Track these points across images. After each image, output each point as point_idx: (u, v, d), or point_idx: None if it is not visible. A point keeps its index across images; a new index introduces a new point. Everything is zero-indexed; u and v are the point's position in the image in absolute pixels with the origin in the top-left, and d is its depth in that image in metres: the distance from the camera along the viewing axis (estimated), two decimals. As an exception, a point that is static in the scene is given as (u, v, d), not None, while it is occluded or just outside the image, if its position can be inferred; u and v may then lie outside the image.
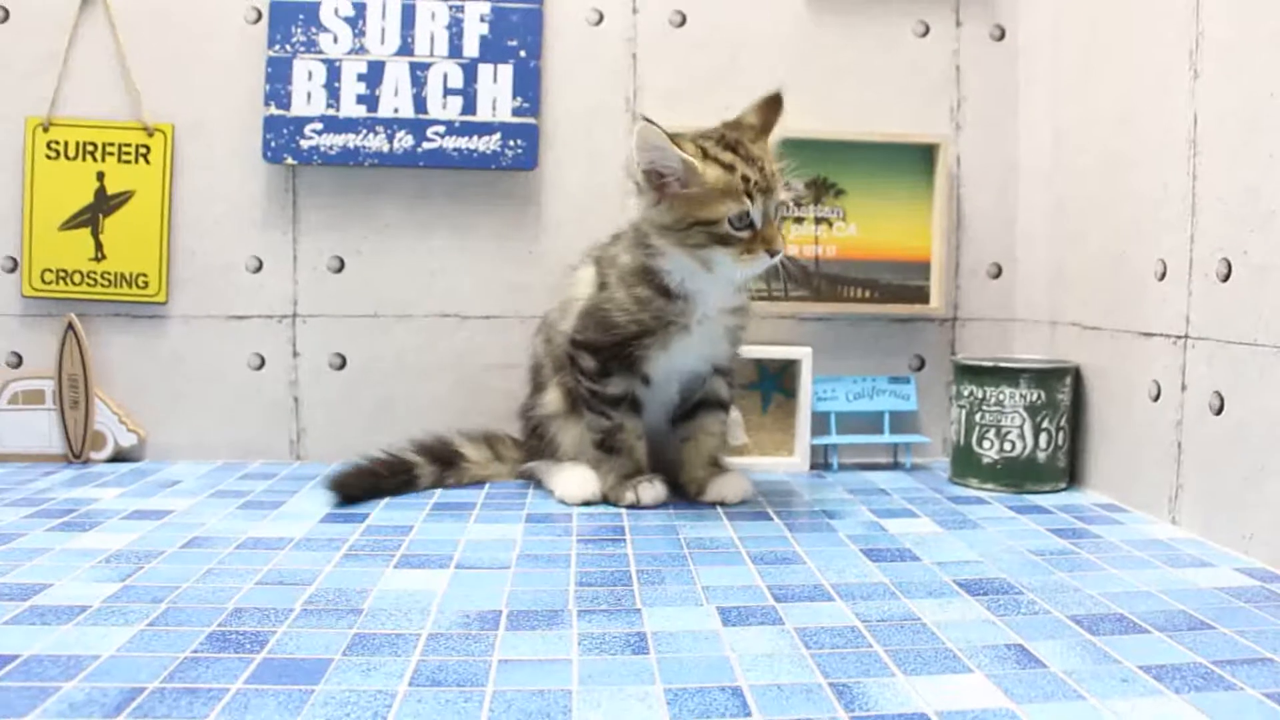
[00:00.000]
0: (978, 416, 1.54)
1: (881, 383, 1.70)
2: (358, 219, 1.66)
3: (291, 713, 0.75)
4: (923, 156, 1.71)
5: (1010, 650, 0.89)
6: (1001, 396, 1.51)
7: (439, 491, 1.47)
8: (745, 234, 1.29)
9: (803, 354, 1.67)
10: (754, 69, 1.69)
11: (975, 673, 0.84)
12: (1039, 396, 1.50)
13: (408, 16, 1.62)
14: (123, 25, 1.62)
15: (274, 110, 1.61)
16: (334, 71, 1.61)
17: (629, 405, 1.40)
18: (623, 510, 1.37)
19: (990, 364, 1.54)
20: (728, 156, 1.31)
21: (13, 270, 1.64)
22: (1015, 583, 1.07)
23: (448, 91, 1.62)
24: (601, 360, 1.38)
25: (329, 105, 1.61)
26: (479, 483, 1.54)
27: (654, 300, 1.35)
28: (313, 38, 1.61)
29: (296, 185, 1.66)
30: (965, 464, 1.56)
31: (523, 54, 1.63)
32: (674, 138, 1.28)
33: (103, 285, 1.64)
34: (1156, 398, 1.35)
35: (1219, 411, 1.23)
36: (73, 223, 1.63)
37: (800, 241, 1.70)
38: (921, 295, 1.72)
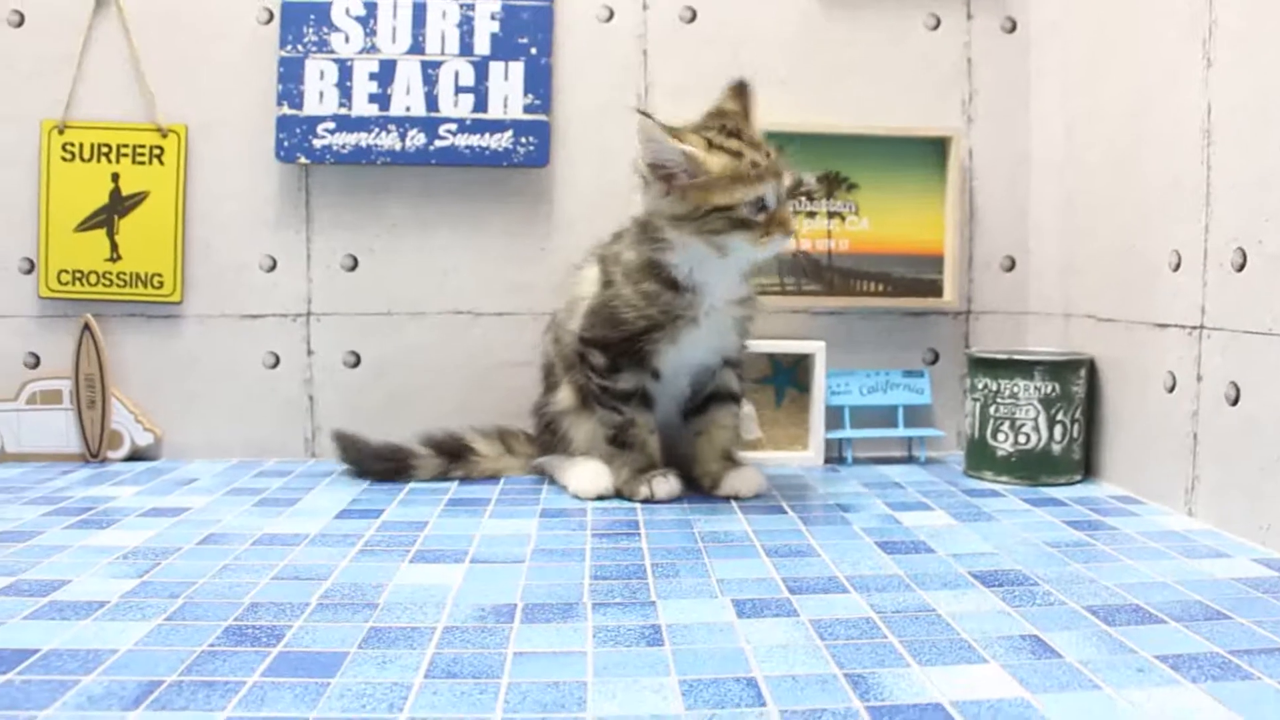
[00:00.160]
0: (992, 409, 1.53)
1: (895, 376, 1.70)
2: (370, 217, 1.67)
3: (308, 705, 0.75)
4: (935, 150, 1.71)
5: (1025, 641, 0.88)
6: (1016, 389, 1.51)
7: (453, 487, 1.48)
8: (761, 217, 1.30)
9: (816, 348, 1.67)
10: (764, 63, 1.69)
11: (991, 663, 0.84)
12: (1053, 389, 1.50)
13: (419, 15, 1.63)
14: (136, 27, 1.63)
15: (286, 110, 1.62)
16: (346, 71, 1.62)
17: (640, 400, 1.41)
18: (637, 504, 1.38)
19: (1004, 357, 1.54)
20: (734, 144, 1.32)
21: (29, 272, 1.65)
22: (1030, 574, 1.07)
23: (459, 89, 1.63)
24: (611, 356, 1.38)
25: (341, 104, 1.62)
26: (491, 477, 1.54)
27: (661, 294, 1.36)
28: (324, 37, 1.62)
29: (309, 184, 1.66)
30: (980, 457, 1.55)
31: (534, 51, 1.64)
32: (675, 131, 1.30)
33: (118, 286, 1.65)
34: (1172, 389, 1.35)
35: (1234, 402, 1.22)
36: (88, 224, 1.64)
37: (813, 236, 1.70)
38: (935, 289, 1.71)
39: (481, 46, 1.63)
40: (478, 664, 0.83)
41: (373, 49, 1.62)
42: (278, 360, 1.68)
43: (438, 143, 1.62)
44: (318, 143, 1.61)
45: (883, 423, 1.71)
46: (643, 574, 1.07)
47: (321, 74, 1.62)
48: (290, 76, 1.62)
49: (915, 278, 1.71)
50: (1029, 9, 1.72)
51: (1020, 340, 1.75)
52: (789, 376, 1.70)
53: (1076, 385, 1.51)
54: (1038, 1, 1.71)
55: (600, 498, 1.40)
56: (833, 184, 1.69)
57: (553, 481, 1.49)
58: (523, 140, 1.63)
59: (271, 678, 0.80)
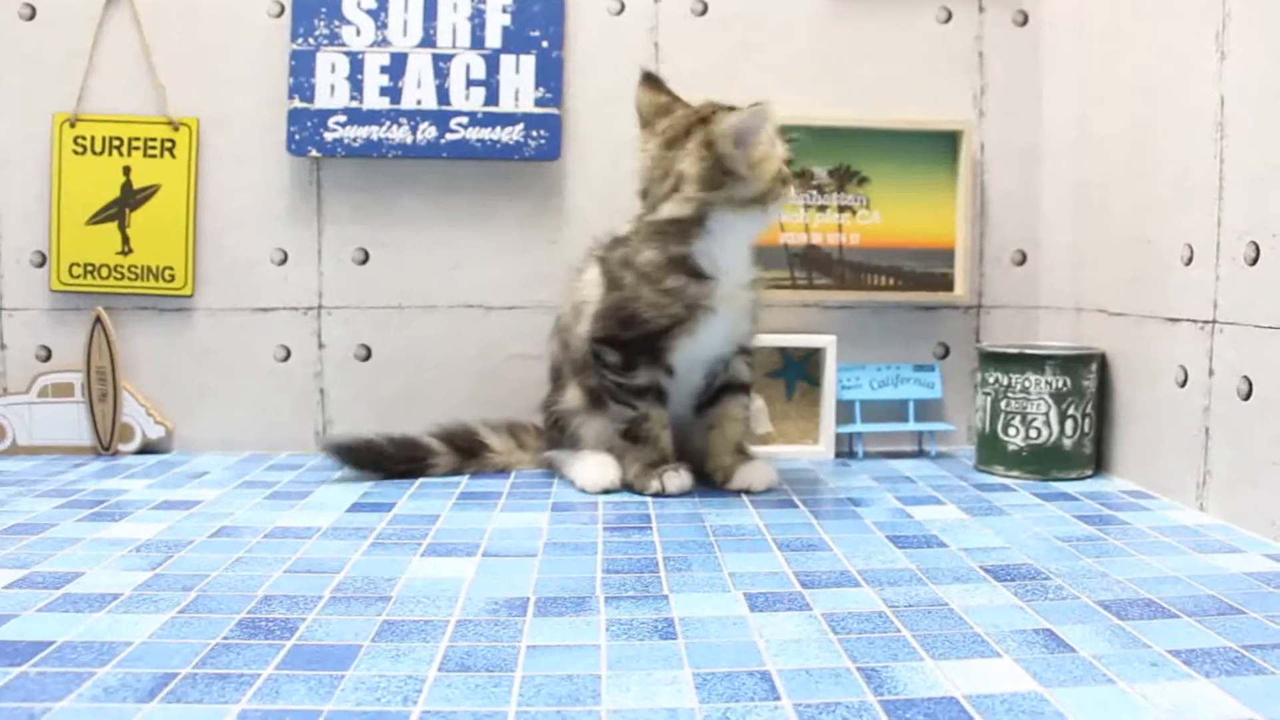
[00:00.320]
0: (1003, 403, 1.53)
1: (906, 370, 1.70)
2: (381, 211, 1.67)
3: (322, 698, 0.75)
4: (946, 143, 1.70)
5: (1038, 635, 0.88)
6: (1027, 383, 1.51)
7: (465, 481, 1.48)
8: None
9: (827, 342, 1.67)
10: (775, 57, 1.69)
11: (1004, 657, 0.84)
12: (1064, 383, 1.50)
13: (430, 8, 1.63)
14: (147, 21, 1.63)
15: (298, 103, 1.62)
16: (357, 64, 1.62)
17: (655, 395, 1.41)
18: (648, 498, 1.38)
19: (1015, 351, 1.53)
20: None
21: (41, 265, 1.65)
22: (1042, 568, 1.07)
23: (470, 83, 1.63)
24: (627, 354, 1.38)
25: (352, 98, 1.62)
26: (502, 471, 1.55)
27: (688, 287, 1.36)
28: (335, 30, 1.62)
29: (320, 178, 1.67)
30: (991, 451, 1.55)
31: (545, 44, 1.64)
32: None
33: (130, 279, 1.65)
34: (1183, 383, 1.34)
35: (1247, 397, 1.22)
36: (100, 217, 1.64)
37: (824, 229, 1.69)
38: (945, 282, 1.71)
39: (493, 40, 1.63)
40: (491, 657, 0.83)
41: (384, 42, 1.62)
42: (289, 353, 1.68)
43: (449, 136, 1.62)
44: (329, 136, 1.62)
45: (893, 417, 1.71)
46: (655, 567, 1.07)
47: (333, 67, 1.62)
48: (301, 70, 1.62)
49: (926, 271, 1.71)
50: (1040, 2, 1.72)
51: (1031, 334, 1.74)
52: (800, 370, 1.70)
53: (1087, 379, 1.51)
54: (1050, -5, 1.71)
55: (606, 491, 1.40)
56: (843, 178, 1.69)
57: (562, 476, 1.49)
58: (534, 133, 1.63)
59: (286, 670, 0.80)
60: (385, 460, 1.49)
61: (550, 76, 1.64)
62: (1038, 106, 1.73)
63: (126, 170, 1.64)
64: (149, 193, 1.65)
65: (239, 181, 1.66)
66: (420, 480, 1.47)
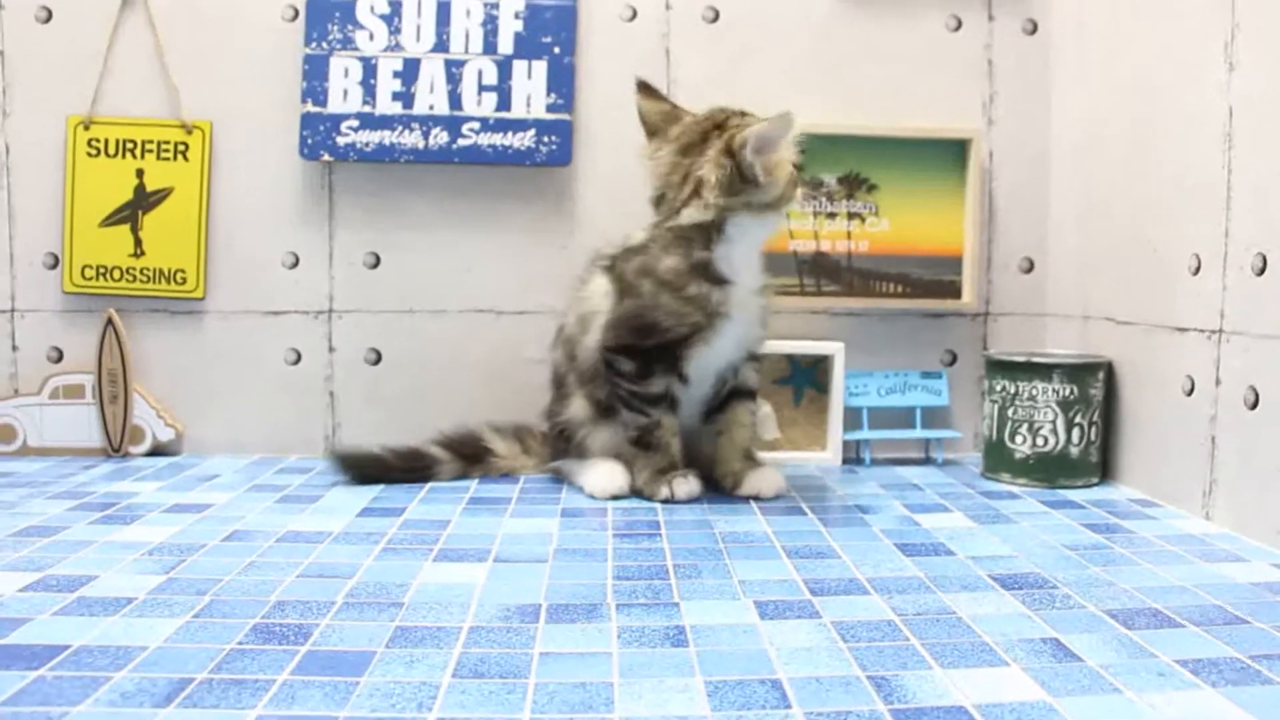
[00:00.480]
0: (1010, 411, 1.54)
1: (913, 378, 1.71)
2: (393, 215, 1.68)
3: (338, 704, 0.76)
4: (955, 151, 1.71)
5: (1046, 644, 0.89)
6: (1034, 391, 1.51)
7: (474, 486, 1.49)
8: None
9: (835, 349, 1.67)
10: (786, 64, 1.70)
11: (1012, 666, 0.84)
12: (1071, 391, 1.50)
13: (443, 14, 1.64)
14: (162, 24, 1.64)
15: (311, 107, 1.63)
16: (370, 69, 1.63)
17: (668, 402, 1.41)
18: (657, 505, 1.38)
19: (1022, 359, 1.54)
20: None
21: (54, 267, 1.66)
22: (1049, 577, 1.08)
23: (482, 88, 1.64)
24: (642, 362, 1.39)
25: (365, 102, 1.63)
26: (507, 475, 1.56)
27: (711, 294, 1.37)
28: (349, 35, 1.63)
29: (333, 182, 1.68)
30: (998, 459, 1.56)
31: (557, 50, 1.64)
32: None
33: (142, 281, 1.66)
34: (1190, 392, 1.35)
35: (1253, 406, 1.23)
36: (113, 219, 1.65)
37: (833, 236, 1.70)
38: (953, 290, 1.72)
39: (505, 45, 1.64)
40: (505, 664, 0.84)
41: (397, 47, 1.63)
42: (299, 357, 1.69)
43: (461, 141, 1.63)
44: (341, 140, 1.62)
45: (901, 424, 1.71)
46: (665, 574, 1.08)
47: (346, 72, 1.63)
48: (315, 74, 1.63)
49: (934, 279, 1.72)
50: (1050, 11, 1.72)
51: (1039, 342, 1.75)
52: (808, 377, 1.70)
53: (1094, 388, 1.51)
54: (1059, 3, 1.71)
55: (615, 498, 1.41)
56: (853, 185, 1.70)
57: (568, 483, 1.50)
58: (545, 139, 1.64)
59: (301, 676, 0.81)
60: (390, 472, 1.50)
61: (562, 82, 1.64)
62: (1046, 115, 1.74)
63: (140, 173, 1.65)
64: (162, 195, 1.66)
65: (251, 185, 1.67)
66: (429, 485, 1.48)
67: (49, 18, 1.64)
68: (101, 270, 1.66)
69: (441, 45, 1.64)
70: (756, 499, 1.41)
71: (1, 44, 1.64)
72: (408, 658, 0.85)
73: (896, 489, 1.49)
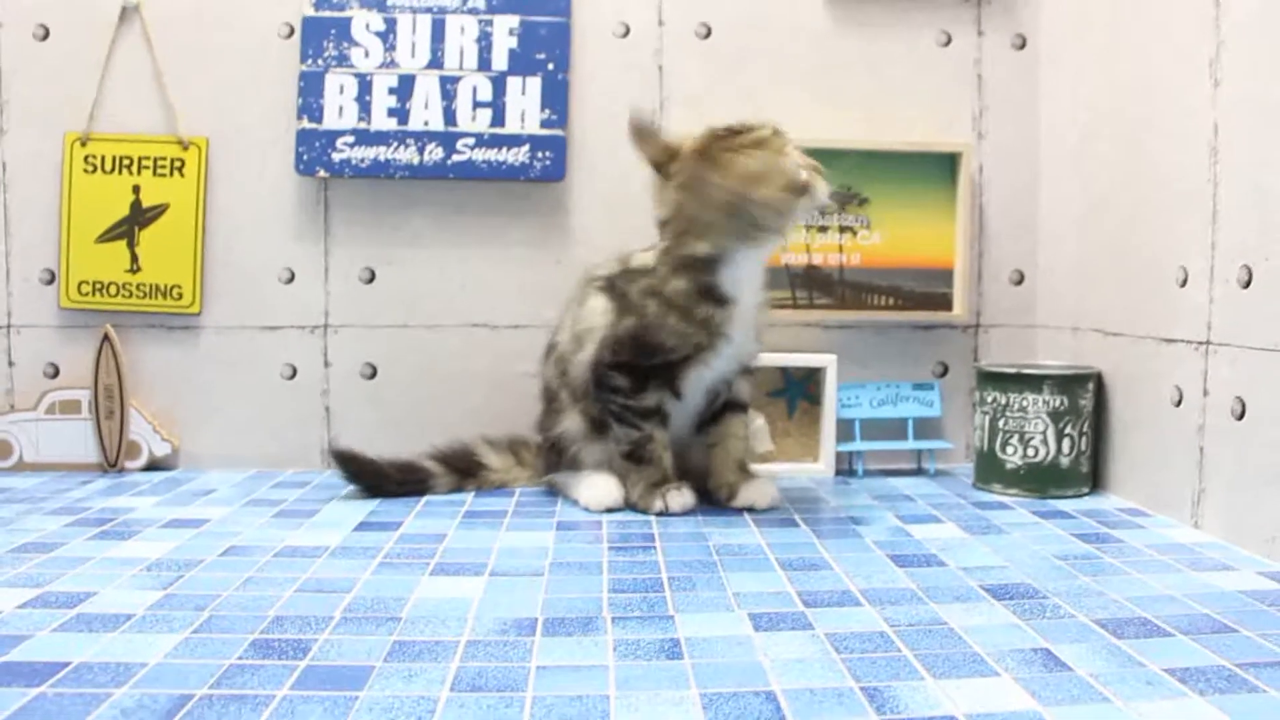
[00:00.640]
0: (1001, 422, 1.55)
1: (905, 389, 1.72)
2: (388, 230, 1.69)
3: (338, 719, 0.77)
4: (946, 165, 1.72)
5: (1036, 654, 0.90)
6: (1024, 402, 1.53)
7: (470, 499, 1.49)
8: None
9: (828, 361, 1.68)
10: (778, 79, 1.71)
11: (1003, 676, 0.85)
12: (1062, 402, 1.51)
13: (438, 31, 1.65)
14: (159, 41, 1.65)
15: (306, 123, 1.64)
16: (365, 85, 1.64)
17: (659, 416, 1.42)
18: (652, 517, 1.39)
19: (1013, 371, 1.55)
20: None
21: (50, 282, 1.67)
22: (1040, 587, 1.09)
23: (477, 104, 1.65)
24: (638, 378, 1.40)
25: (360, 118, 1.64)
26: (500, 488, 1.57)
27: (715, 314, 1.38)
28: (344, 52, 1.64)
29: (328, 197, 1.69)
30: (989, 469, 1.57)
31: (551, 67, 1.66)
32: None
33: (138, 297, 1.67)
34: (1178, 403, 1.36)
35: (1240, 417, 1.24)
36: (109, 235, 1.66)
37: (825, 250, 1.71)
38: (945, 302, 1.73)
39: (499, 62, 1.65)
40: (502, 677, 0.85)
41: (392, 64, 1.65)
42: (295, 371, 1.70)
43: (455, 157, 1.64)
44: (337, 156, 1.64)
45: (893, 435, 1.72)
46: (660, 587, 1.09)
47: (341, 88, 1.64)
48: (310, 90, 1.64)
49: (925, 291, 1.73)
50: (1039, 26, 1.74)
51: (1030, 353, 1.76)
52: (801, 389, 1.72)
53: (1084, 399, 1.53)
54: (1048, 19, 1.73)
55: (610, 510, 1.42)
56: (845, 199, 1.71)
57: (565, 496, 1.51)
58: (539, 155, 1.65)
59: (300, 691, 0.82)
60: (386, 483, 1.51)
61: (556, 98, 1.66)
62: (1036, 128, 1.75)
63: (136, 189, 1.66)
64: (158, 211, 1.67)
65: (247, 200, 1.68)
66: (425, 499, 1.49)
67: (46, 35, 1.65)
68: (98, 286, 1.66)
69: (436, 62, 1.65)
70: (751, 510, 1.42)
71: (-2, 62, 1.66)
72: (406, 672, 0.86)
73: (889, 500, 1.50)
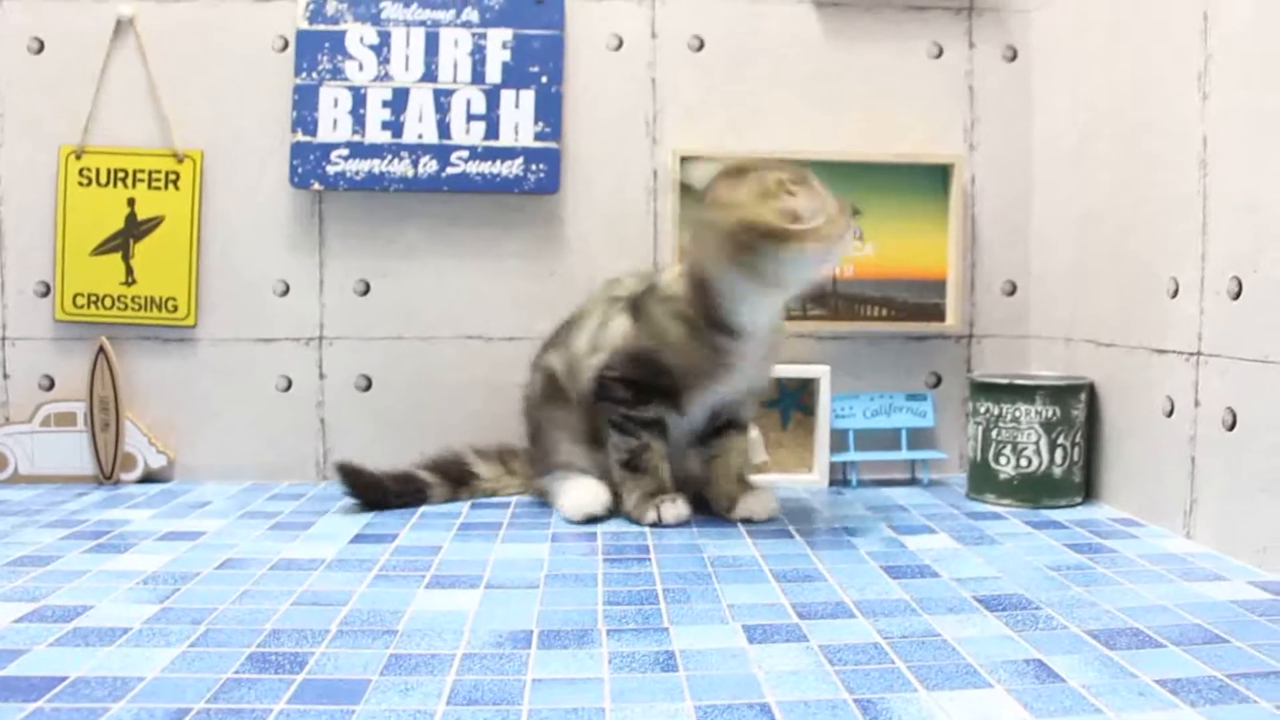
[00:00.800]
0: (994, 433, 1.56)
1: (899, 399, 1.73)
2: (383, 242, 1.70)
3: (334, 731, 0.78)
4: (938, 176, 1.73)
5: (1029, 665, 0.91)
6: (1017, 413, 1.53)
7: (465, 510, 1.50)
8: None
9: (821, 372, 1.69)
10: (771, 92, 1.72)
11: (995, 687, 0.86)
12: (1054, 413, 1.52)
13: (431, 44, 1.65)
14: (153, 54, 1.66)
15: (301, 136, 1.64)
16: (359, 98, 1.65)
17: (658, 428, 1.43)
18: (646, 529, 1.40)
19: (1005, 381, 1.56)
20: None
21: (45, 295, 1.67)
22: (1033, 598, 1.09)
23: (471, 117, 1.65)
24: (642, 392, 1.40)
25: (354, 131, 1.64)
26: (490, 495, 1.58)
27: (726, 344, 1.37)
28: (339, 65, 1.65)
29: (323, 210, 1.69)
30: (982, 480, 1.58)
31: (544, 79, 1.66)
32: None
33: (133, 309, 1.67)
34: (1170, 413, 1.37)
35: (1231, 427, 1.25)
36: (104, 248, 1.67)
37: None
38: (938, 313, 1.74)
39: (493, 75, 1.66)
40: (498, 691, 0.85)
41: (386, 77, 1.65)
42: (290, 383, 1.70)
43: (449, 169, 1.65)
44: (331, 169, 1.64)
45: (887, 445, 1.73)
46: (655, 599, 1.09)
47: (336, 101, 1.65)
48: (305, 103, 1.64)
49: (919, 302, 1.74)
50: (1030, 39, 1.75)
51: (1023, 363, 1.77)
52: (795, 400, 1.72)
53: (1077, 409, 1.53)
54: (1038, 32, 1.74)
55: (593, 519, 1.43)
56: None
57: (551, 503, 1.51)
58: (533, 167, 1.66)
59: (297, 705, 0.82)
60: (385, 495, 1.51)
61: (549, 111, 1.66)
62: (1028, 139, 1.76)
63: (131, 202, 1.67)
64: (153, 224, 1.67)
65: (242, 213, 1.69)
66: (421, 510, 1.49)
67: (41, 48, 1.65)
68: (93, 298, 1.67)
69: (430, 75, 1.65)
70: (750, 521, 1.43)
71: (-7, 75, 1.66)
72: (402, 685, 0.86)
73: (883, 510, 1.51)
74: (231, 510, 1.49)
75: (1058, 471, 1.53)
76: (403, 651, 0.94)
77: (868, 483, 1.71)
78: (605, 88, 1.71)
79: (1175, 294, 1.36)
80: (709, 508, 1.47)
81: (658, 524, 1.40)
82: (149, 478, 1.68)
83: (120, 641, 0.96)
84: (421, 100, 1.65)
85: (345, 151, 1.64)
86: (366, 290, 1.70)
